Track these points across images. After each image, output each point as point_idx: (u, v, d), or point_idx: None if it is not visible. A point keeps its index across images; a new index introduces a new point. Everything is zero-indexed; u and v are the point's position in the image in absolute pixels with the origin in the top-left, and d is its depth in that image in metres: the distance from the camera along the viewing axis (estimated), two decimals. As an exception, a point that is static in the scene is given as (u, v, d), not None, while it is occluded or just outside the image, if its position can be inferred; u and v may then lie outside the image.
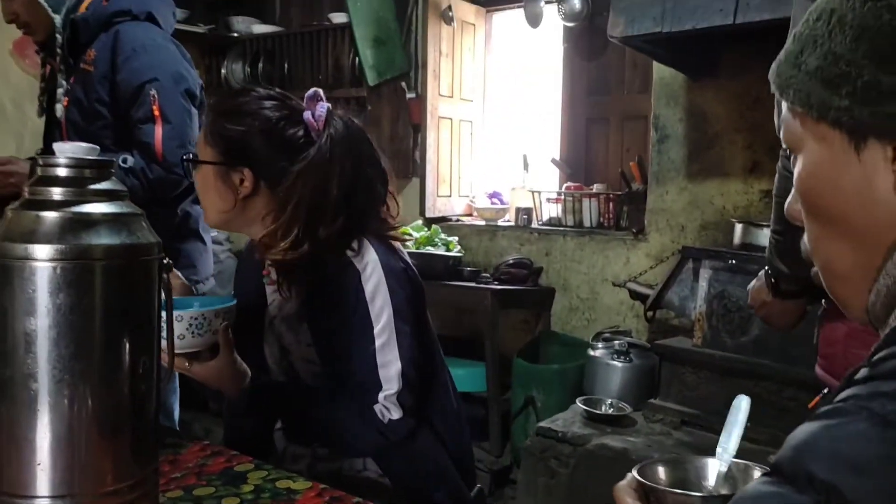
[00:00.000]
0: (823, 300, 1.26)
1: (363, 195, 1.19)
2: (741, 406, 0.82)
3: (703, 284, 2.26)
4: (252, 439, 1.26)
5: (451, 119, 3.63)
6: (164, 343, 0.87)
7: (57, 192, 0.76)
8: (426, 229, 3.19)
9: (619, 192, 3.10)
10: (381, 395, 1.12)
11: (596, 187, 3.20)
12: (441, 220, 3.53)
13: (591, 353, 2.62)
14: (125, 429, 0.78)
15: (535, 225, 3.33)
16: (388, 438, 1.13)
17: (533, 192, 3.34)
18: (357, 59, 3.49)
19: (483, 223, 3.53)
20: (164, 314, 0.85)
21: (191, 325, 1.08)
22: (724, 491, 0.75)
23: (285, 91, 1.26)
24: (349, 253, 1.15)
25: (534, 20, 3.27)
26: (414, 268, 1.25)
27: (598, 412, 2.36)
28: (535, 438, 2.34)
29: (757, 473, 0.74)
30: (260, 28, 4.00)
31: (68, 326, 0.73)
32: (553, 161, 3.40)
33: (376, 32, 3.46)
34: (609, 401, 2.44)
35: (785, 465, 0.49)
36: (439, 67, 3.53)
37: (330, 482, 1.06)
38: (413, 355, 1.15)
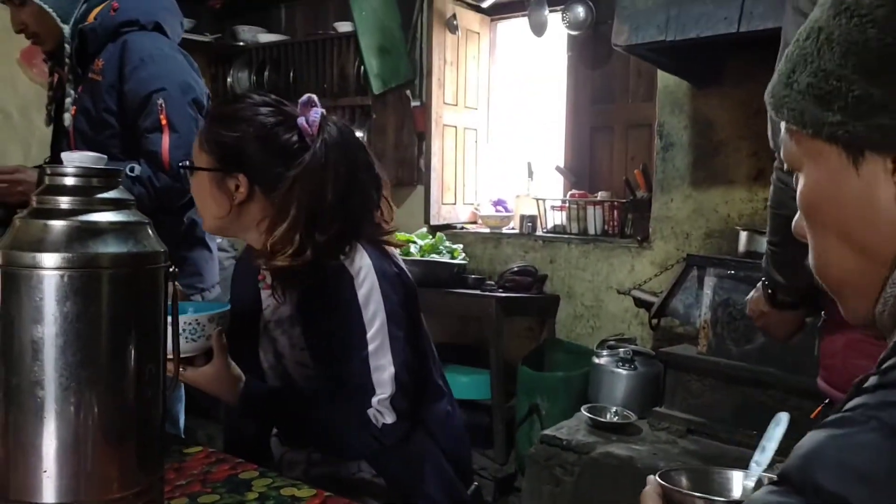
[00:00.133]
0: (823, 311, 1.26)
1: (357, 200, 1.20)
2: (780, 422, 0.82)
3: (707, 292, 2.25)
4: (251, 444, 1.26)
5: (455, 127, 3.64)
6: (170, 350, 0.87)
7: (64, 201, 0.77)
8: (431, 237, 3.19)
9: (624, 200, 3.10)
10: (374, 400, 1.13)
11: (600, 195, 3.20)
12: (446, 228, 3.53)
13: (596, 360, 2.62)
14: (131, 436, 0.79)
15: (539, 232, 3.33)
16: (382, 442, 1.14)
17: (537, 200, 3.35)
18: (362, 67, 3.50)
19: (487, 231, 3.53)
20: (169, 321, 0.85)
21: (184, 330, 1.08)
22: None
23: (291, 100, 1.26)
24: (342, 257, 1.16)
25: (538, 29, 3.28)
26: (408, 272, 1.26)
27: (602, 420, 2.35)
28: (539, 446, 2.33)
29: None
30: (266, 37, 4.03)
31: (75, 334, 0.74)
32: (557, 169, 3.40)
33: (381, 41, 3.48)
34: (614, 409, 2.43)
35: (793, 474, 0.48)
36: (444, 76, 3.54)
37: (325, 485, 1.07)
38: (406, 359, 1.16)
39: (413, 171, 3.67)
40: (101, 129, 1.79)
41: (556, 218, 3.30)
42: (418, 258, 2.98)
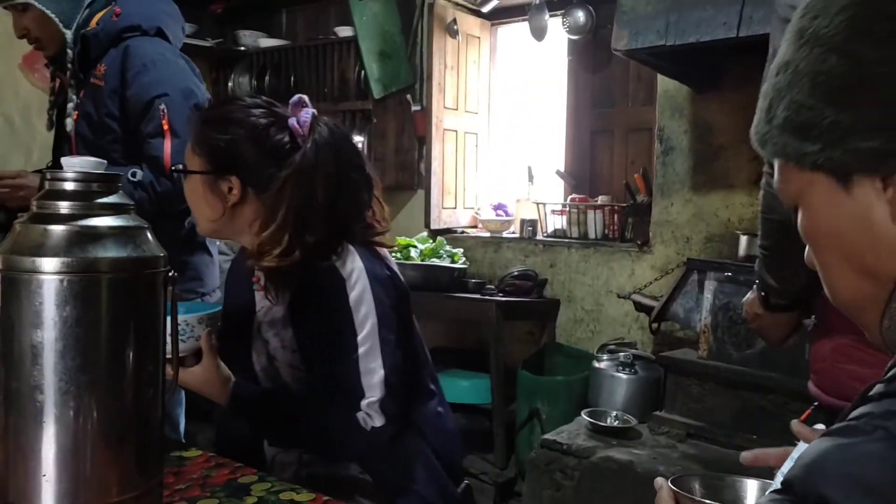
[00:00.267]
0: (813, 316, 1.27)
1: (347, 200, 1.20)
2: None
3: (708, 296, 2.25)
4: (243, 445, 1.27)
5: (456, 131, 3.65)
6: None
7: (64, 206, 0.77)
8: (431, 241, 3.20)
9: (624, 204, 3.11)
10: (363, 403, 1.14)
11: (601, 199, 3.20)
12: (446, 232, 3.54)
13: (596, 364, 2.62)
14: (130, 440, 0.79)
15: (539, 237, 3.33)
16: (371, 445, 1.15)
17: (538, 204, 3.35)
18: (363, 72, 3.51)
19: (488, 235, 3.54)
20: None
21: None
22: None
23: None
24: (334, 258, 1.17)
25: (538, 33, 3.29)
26: (400, 275, 1.26)
27: (603, 424, 2.35)
28: (539, 451, 2.33)
29: None
30: (267, 42, 4.05)
31: (74, 339, 0.74)
32: (558, 173, 3.41)
33: (382, 46, 3.49)
34: (614, 413, 2.43)
35: (796, 484, 0.48)
36: (444, 80, 3.55)
37: (318, 485, 1.07)
38: (397, 362, 1.16)
39: (413, 176, 3.68)
40: (103, 134, 1.80)
41: (557, 222, 3.31)
42: (418, 262, 2.98)
